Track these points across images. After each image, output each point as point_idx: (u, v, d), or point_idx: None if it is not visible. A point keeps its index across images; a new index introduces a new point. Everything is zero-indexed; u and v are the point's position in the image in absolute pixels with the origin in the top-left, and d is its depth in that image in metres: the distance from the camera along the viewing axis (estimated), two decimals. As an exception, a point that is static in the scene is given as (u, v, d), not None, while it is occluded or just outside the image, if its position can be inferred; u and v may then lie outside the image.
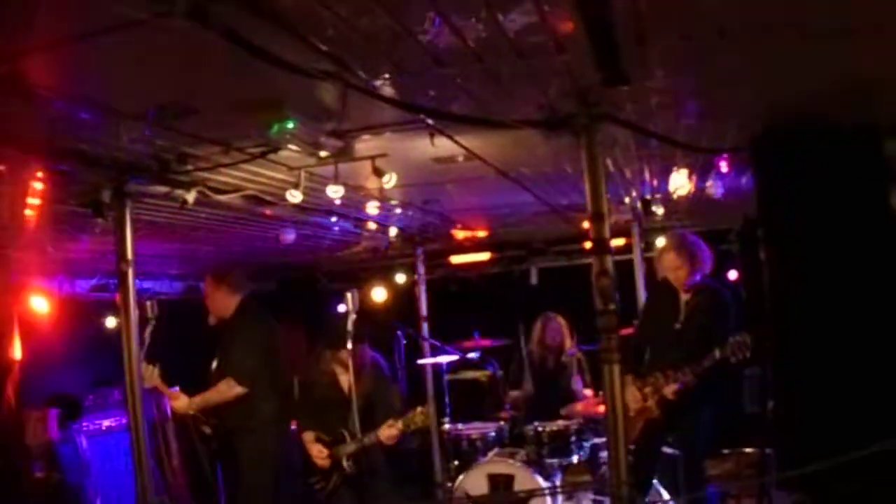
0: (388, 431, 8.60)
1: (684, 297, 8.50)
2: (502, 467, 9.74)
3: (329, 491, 8.81)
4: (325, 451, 8.76)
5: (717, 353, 7.78)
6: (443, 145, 6.08)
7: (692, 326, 8.36)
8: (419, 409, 8.72)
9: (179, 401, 9.04)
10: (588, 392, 10.59)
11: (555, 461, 9.83)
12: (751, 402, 11.47)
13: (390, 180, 6.50)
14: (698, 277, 8.45)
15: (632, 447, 8.31)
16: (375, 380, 9.06)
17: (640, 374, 8.47)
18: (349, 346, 8.33)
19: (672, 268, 8.39)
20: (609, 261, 5.22)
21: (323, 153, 5.87)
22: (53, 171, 6.11)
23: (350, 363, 8.46)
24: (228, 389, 8.72)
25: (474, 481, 9.74)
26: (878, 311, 6.49)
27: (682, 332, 8.40)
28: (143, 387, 6.78)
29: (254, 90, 4.85)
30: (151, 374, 8.70)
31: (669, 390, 8.04)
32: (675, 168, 8.15)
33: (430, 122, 5.48)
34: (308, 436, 8.94)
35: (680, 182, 8.51)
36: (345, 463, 8.66)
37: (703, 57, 4.99)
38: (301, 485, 9.17)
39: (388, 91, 4.94)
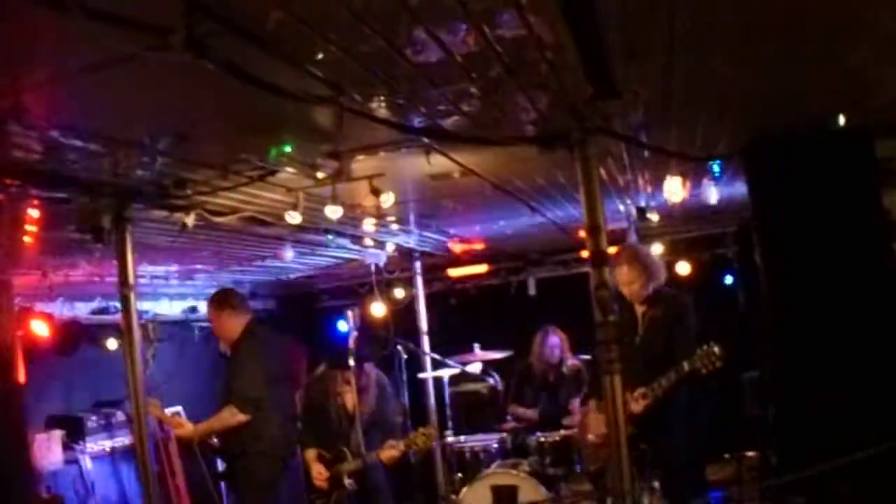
0: (390, 452, 8.65)
1: (640, 309, 8.36)
2: (505, 478, 9.74)
3: None
4: (326, 473, 8.80)
5: (686, 366, 7.70)
6: (439, 162, 6.13)
7: (653, 339, 8.16)
8: (420, 430, 8.76)
9: (184, 429, 9.03)
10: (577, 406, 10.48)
11: (558, 471, 9.86)
12: (751, 406, 11.49)
13: (388, 199, 6.54)
14: (651, 289, 8.38)
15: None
16: (379, 399, 9.09)
17: (602, 396, 8.39)
18: (352, 364, 8.38)
19: (626, 282, 8.24)
20: (607, 272, 5.27)
21: (320, 174, 5.92)
22: (54, 199, 6.15)
23: (354, 382, 8.52)
24: (231, 417, 8.64)
25: (478, 493, 9.74)
26: (875, 312, 6.54)
27: (643, 346, 8.20)
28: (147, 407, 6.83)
29: (251, 115, 4.90)
30: (154, 408, 8.71)
31: (638, 407, 7.92)
32: (668, 175, 8.18)
33: (425, 140, 5.53)
34: (310, 454, 8.97)
35: (674, 189, 8.52)
36: (346, 481, 8.69)
37: (692, 66, 5.04)
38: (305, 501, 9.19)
39: (382, 112, 4.99)
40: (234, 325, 8.98)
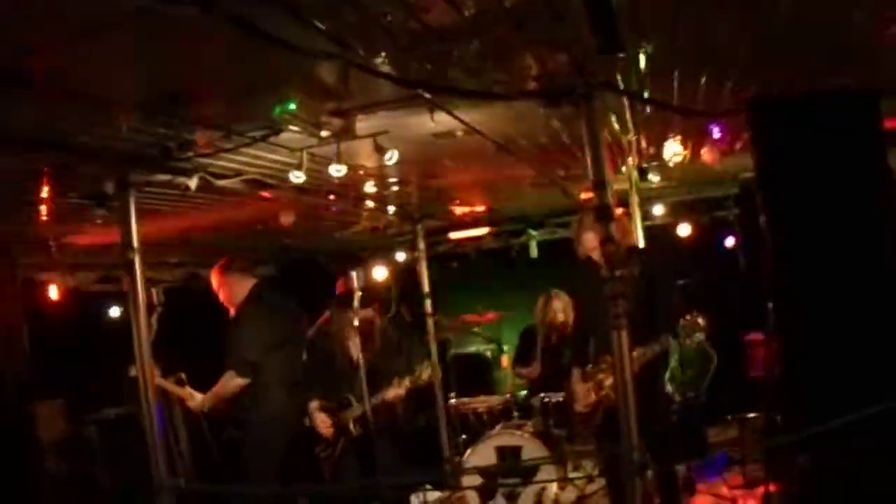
0: (396, 391, 8.67)
1: None
2: (510, 439, 9.81)
3: (335, 458, 8.82)
4: (329, 421, 8.79)
5: (670, 338, 7.62)
6: (442, 121, 6.12)
7: (631, 299, 8.07)
8: (426, 362, 8.76)
9: (192, 399, 8.99)
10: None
11: (562, 432, 9.90)
12: (753, 367, 11.51)
13: (392, 157, 6.53)
14: (622, 250, 8.26)
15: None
16: (383, 345, 9.07)
17: (586, 364, 8.28)
18: (357, 312, 8.38)
19: (593, 247, 7.83)
20: (613, 227, 5.25)
21: (324, 133, 5.90)
22: (56, 165, 6.15)
23: (357, 329, 8.51)
24: (230, 381, 8.67)
25: (482, 454, 9.80)
26: (881, 274, 6.52)
27: None
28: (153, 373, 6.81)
29: (254, 72, 4.90)
30: (158, 378, 8.62)
31: None
32: (670, 135, 8.16)
33: (428, 97, 5.52)
34: (313, 405, 8.94)
35: (675, 149, 8.49)
36: (351, 427, 8.69)
37: (696, 21, 5.03)
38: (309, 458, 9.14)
39: (386, 68, 4.97)
40: (237, 290, 8.97)
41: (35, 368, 9.08)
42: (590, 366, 8.12)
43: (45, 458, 9.35)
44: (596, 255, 7.81)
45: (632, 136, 8.12)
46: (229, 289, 9.02)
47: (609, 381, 7.77)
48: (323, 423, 8.80)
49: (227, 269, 9.08)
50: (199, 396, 8.96)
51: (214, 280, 9.16)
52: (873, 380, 6.26)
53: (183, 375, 10.30)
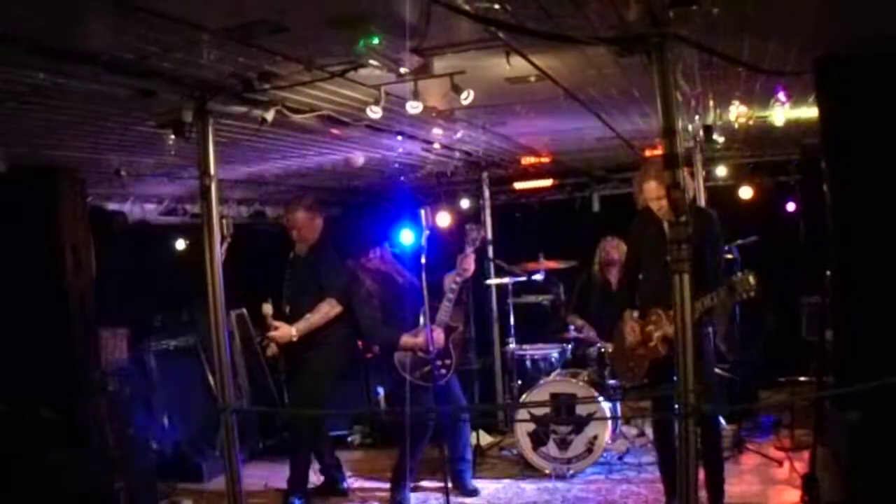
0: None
1: (669, 226, 8.21)
2: (565, 387, 9.92)
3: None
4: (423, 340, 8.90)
5: (722, 293, 7.66)
6: (516, 65, 6.19)
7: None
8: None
9: (282, 330, 9.16)
10: None
11: (616, 382, 10.00)
12: (809, 330, 11.54)
13: (468, 97, 6.61)
14: None
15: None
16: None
17: (636, 307, 8.31)
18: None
19: (654, 197, 7.93)
20: (680, 174, 5.32)
21: (403, 70, 5.99)
22: (136, 90, 6.25)
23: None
24: (331, 309, 9.13)
25: (537, 400, 9.92)
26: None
27: None
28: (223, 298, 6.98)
29: (337, 4, 4.99)
30: (267, 310, 9.19)
31: (672, 330, 7.73)
32: (736, 94, 8.19)
33: (502, 36, 5.58)
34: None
35: (741, 109, 8.51)
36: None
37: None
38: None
39: (467, 9, 5.05)
40: (318, 226, 9.29)
41: (101, 295, 9.27)
42: (637, 314, 8.20)
43: (107, 381, 9.55)
44: (655, 206, 7.90)
45: (699, 90, 8.15)
46: (311, 225, 9.31)
47: (658, 334, 7.86)
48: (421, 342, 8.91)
49: (311, 206, 9.37)
50: (287, 328, 9.12)
51: (299, 216, 9.38)
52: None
53: (244, 311, 10.58)
